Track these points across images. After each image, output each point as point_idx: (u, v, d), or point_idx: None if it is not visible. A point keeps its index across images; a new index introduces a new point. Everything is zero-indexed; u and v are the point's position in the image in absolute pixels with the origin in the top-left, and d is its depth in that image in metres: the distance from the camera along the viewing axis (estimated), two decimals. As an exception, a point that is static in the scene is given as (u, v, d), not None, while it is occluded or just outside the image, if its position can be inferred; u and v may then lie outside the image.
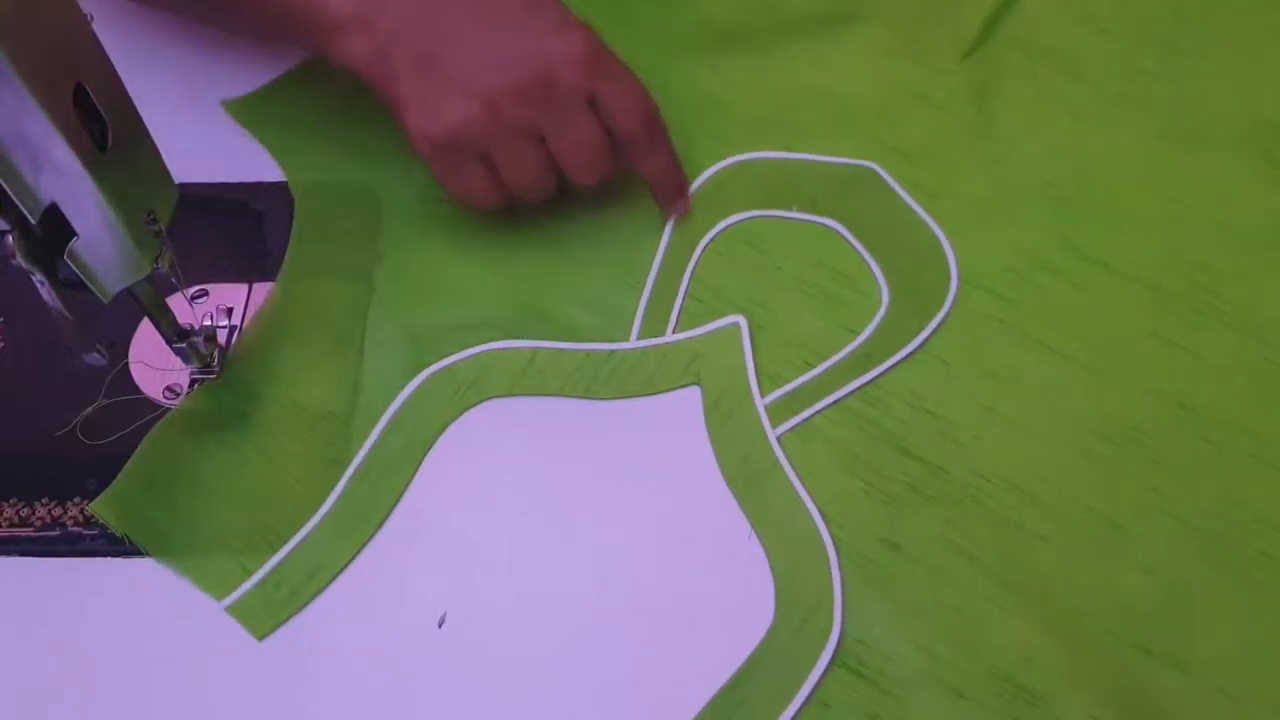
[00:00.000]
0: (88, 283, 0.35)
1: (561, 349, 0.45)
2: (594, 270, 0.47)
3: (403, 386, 0.43)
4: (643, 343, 0.45)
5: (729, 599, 0.39)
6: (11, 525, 0.41)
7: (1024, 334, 0.45)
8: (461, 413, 0.43)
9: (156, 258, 0.37)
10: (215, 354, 0.43)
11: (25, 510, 0.41)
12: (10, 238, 0.32)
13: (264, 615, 0.39)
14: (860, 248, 0.47)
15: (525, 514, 0.41)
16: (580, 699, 0.37)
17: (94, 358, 0.37)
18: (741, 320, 0.45)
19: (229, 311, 0.45)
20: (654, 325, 0.45)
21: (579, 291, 0.46)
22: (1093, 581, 0.39)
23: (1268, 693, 0.37)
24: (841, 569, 0.39)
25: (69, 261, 0.34)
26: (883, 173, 0.49)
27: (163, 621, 0.39)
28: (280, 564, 0.40)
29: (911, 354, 0.44)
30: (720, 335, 0.45)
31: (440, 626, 0.39)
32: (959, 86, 0.52)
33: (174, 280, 0.39)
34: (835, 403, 0.43)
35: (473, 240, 0.48)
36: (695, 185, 0.49)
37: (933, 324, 0.45)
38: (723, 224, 0.48)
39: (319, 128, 0.52)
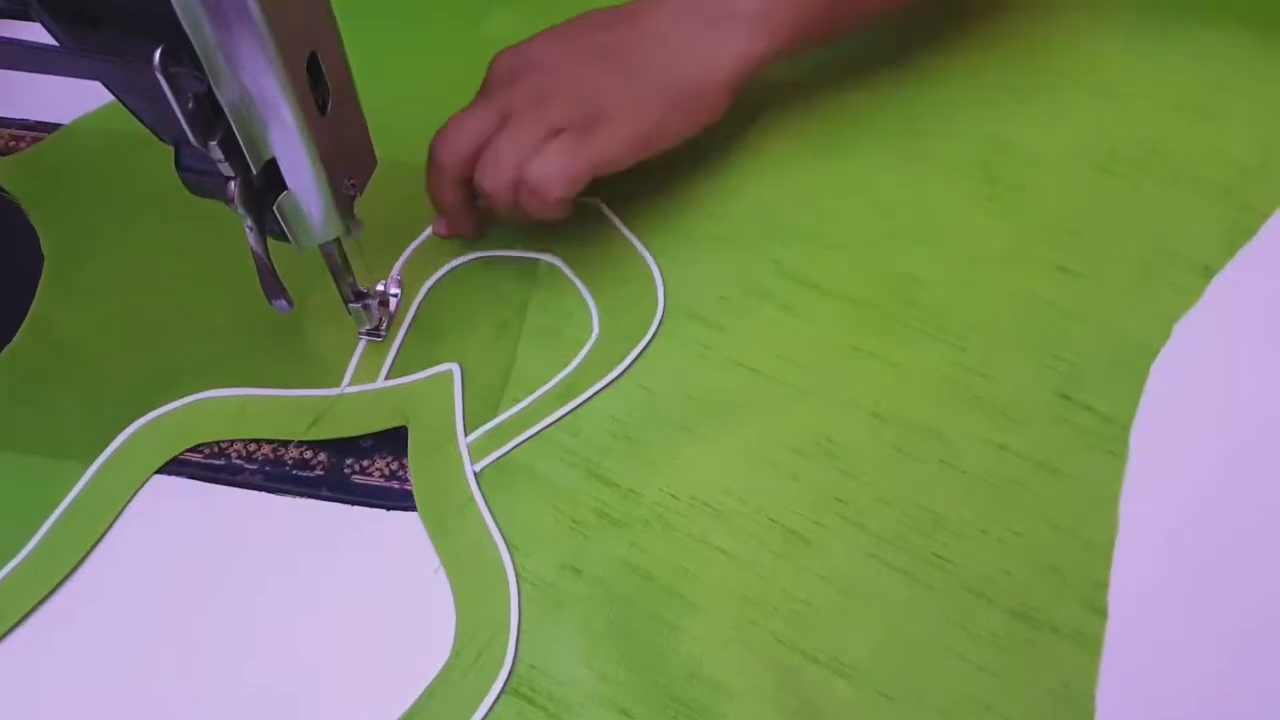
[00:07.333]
0: (288, 234, 0.38)
1: (272, 395, 0.45)
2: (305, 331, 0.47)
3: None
4: (354, 388, 0.45)
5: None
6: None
7: (726, 358, 0.45)
8: (171, 459, 0.43)
9: (349, 221, 0.40)
10: (384, 320, 0.46)
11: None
12: (234, 184, 0.35)
13: None
14: (578, 282, 0.48)
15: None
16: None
17: (281, 304, 0.40)
18: (455, 367, 0.45)
19: (401, 282, 0.48)
20: (367, 372, 0.45)
21: (289, 347, 0.46)
22: (767, 592, 0.39)
23: (919, 688, 0.37)
24: (522, 597, 0.40)
25: (276, 212, 0.37)
26: (604, 208, 0.50)
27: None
28: None
29: (614, 381, 0.44)
30: (433, 381, 0.45)
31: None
32: None
33: (359, 244, 0.42)
34: (537, 434, 0.43)
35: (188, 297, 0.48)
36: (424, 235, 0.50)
37: (636, 350, 0.45)
38: (448, 266, 0.49)
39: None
